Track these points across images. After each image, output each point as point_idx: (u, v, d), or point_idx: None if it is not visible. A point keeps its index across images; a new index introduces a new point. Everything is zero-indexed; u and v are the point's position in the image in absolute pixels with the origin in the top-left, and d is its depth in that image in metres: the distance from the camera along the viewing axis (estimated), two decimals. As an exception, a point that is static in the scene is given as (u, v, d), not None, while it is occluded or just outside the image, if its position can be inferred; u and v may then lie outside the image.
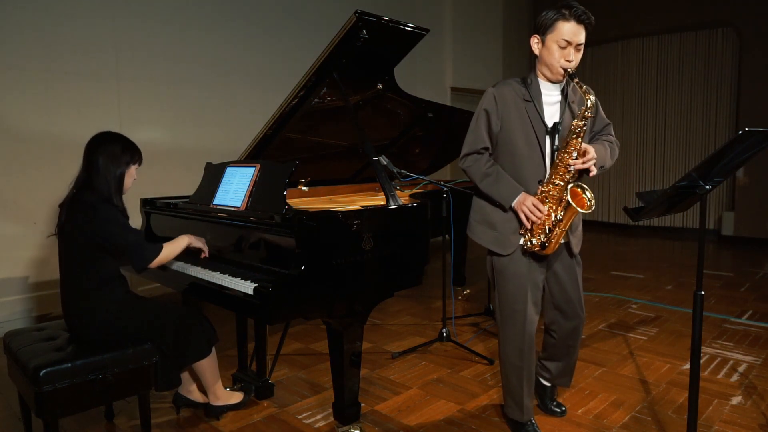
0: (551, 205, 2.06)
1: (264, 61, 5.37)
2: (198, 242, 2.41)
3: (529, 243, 2.12)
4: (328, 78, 2.60)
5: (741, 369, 3.07)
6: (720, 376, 2.99)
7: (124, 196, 2.30)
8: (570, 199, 1.98)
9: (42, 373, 1.92)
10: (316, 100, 2.76)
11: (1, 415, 2.64)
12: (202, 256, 2.43)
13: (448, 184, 3.17)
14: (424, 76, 7.05)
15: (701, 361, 2.54)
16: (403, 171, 2.65)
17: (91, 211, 2.13)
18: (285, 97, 2.66)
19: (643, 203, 1.98)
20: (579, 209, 1.99)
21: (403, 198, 2.66)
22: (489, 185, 2.11)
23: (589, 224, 2.01)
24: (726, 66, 7.45)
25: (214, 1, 4.99)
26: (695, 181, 1.83)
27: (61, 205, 2.25)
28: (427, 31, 2.68)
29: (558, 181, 2.04)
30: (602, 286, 5.01)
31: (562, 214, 2.04)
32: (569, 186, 2.01)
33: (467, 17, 7.68)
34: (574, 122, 1.98)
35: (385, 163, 2.51)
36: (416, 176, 2.81)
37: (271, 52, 5.42)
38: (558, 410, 2.54)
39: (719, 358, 3.23)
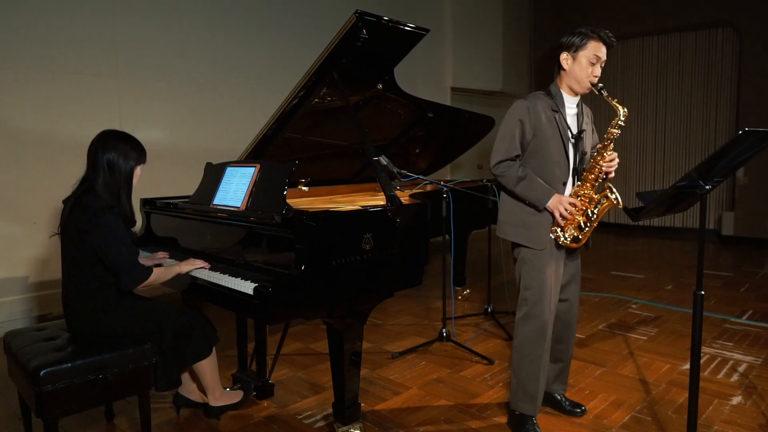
0: (584, 202, 2.25)
1: (264, 60, 5.37)
2: (190, 267, 2.34)
3: (561, 238, 2.29)
4: (328, 78, 2.60)
5: (741, 369, 3.07)
6: (720, 376, 2.99)
7: None
8: (608, 194, 2.18)
9: (42, 373, 1.92)
10: (316, 100, 2.76)
11: (1, 415, 2.64)
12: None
13: (448, 184, 3.17)
14: (424, 76, 7.04)
15: (701, 361, 2.54)
16: (403, 171, 2.65)
17: (93, 219, 2.10)
18: (285, 96, 2.66)
19: (643, 203, 1.99)
20: (614, 203, 2.18)
21: (403, 198, 2.66)
22: (524, 188, 2.27)
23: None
24: (726, 66, 7.45)
25: (215, 0, 4.99)
26: (695, 181, 1.83)
27: (65, 201, 2.24)
28: (427, 31, 2.68)
29: (593, 183, 2.26)
30: (602, 286, 5.01)
31: (596, 210, 2.22)
32: (604, 185, 2.24)
33: (467, 17, 7.67)
34: (610, 129, 2.19)
35: (385, 163, 2.51)
36: (416, 176, 2.80)
37: (271, 51, 5.42)
38: (578, 410, 2.55)
39: (719, 358, 3.23)
